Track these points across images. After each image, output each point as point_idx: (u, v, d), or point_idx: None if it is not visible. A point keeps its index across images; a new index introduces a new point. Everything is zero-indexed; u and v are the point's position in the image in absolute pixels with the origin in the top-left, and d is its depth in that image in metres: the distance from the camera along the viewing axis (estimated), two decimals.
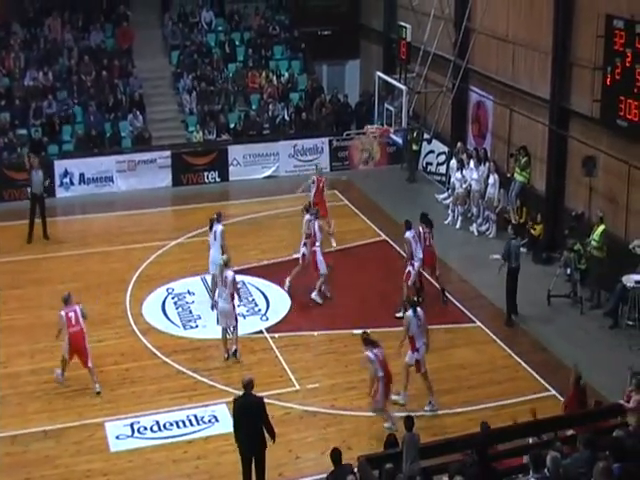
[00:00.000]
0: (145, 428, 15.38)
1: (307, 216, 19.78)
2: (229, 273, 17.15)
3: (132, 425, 15.43)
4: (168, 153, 27.59)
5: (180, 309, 19.52)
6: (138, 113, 28.90)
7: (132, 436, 15.19)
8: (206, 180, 27.77)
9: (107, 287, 20.54)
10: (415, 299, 17.11)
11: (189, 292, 20.24)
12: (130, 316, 19.25)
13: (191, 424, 15.46)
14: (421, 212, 20.21)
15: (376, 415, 15.28)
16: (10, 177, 26.52)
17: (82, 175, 26.99)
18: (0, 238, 23.70)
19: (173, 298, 20.06)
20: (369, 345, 14.99)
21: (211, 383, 16.70)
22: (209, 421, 15.51)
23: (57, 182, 26.82)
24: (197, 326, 18.90)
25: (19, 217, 24.54)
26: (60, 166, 26.92)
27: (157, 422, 15.50)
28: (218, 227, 19.66)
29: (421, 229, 19.53)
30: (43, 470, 14.41)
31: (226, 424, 15.29)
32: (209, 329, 18.44)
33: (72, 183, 26.95)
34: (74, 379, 16.76)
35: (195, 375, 16.99)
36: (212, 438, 15.10)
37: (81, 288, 20.38)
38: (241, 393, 13.32)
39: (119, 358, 17.60)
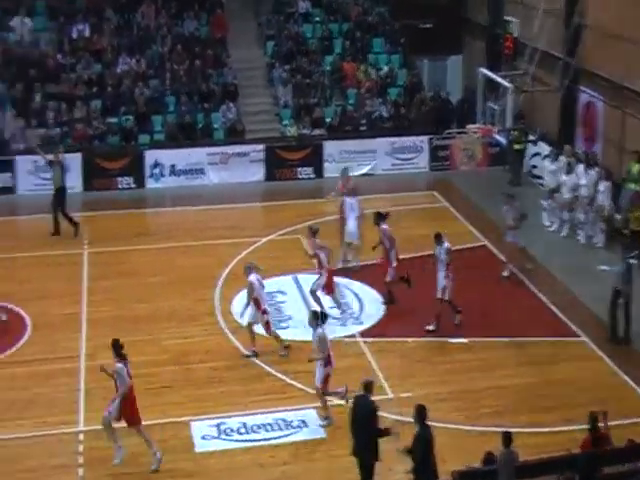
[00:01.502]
0: (232, 430, 15.51)
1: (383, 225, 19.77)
2: (252, 277, 17.35)
3: (218, 426, 15.58)
4: (262, 147, 27.81)
5: (271, 308, 19.62)
6: (231, 104, 29.20)
7: (218, 437, 15.34)
8: (299, 176, 27.93)
9: (195, 283, 20.80)
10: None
11: (280, 291, 20.34)
12: (219, 314, 19.43)
13: (279, 428, 15.54)
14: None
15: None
16: (101, 166, 27.11)
17: (173, 167, 27.41)
18: (90, 229, 24.26)
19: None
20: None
21: (300, 386, 16.75)
22: (297, 426, 15.57)
23: (147, 173, 27.32)
24: (288, 327, 19.00)
25: (109, 207, 25.08)
26: (150, 156, 27.39)
27: (244, 424, 15.62)
28: (354, 199, 20.76)
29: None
30: (127, 467, 14.64)
31: (315, 430, 15.35)
32: (300, 330, 18.53)
33: (162, 175, 27.41)
34: (158, 375, 17.03)
35: (284, 377, 17.08)
36: (300, 444, 15.16)
37: (168, 282, 20.78)
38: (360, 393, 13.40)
39: (205, 356, 17.80)
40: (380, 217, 19.94)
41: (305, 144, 28.28)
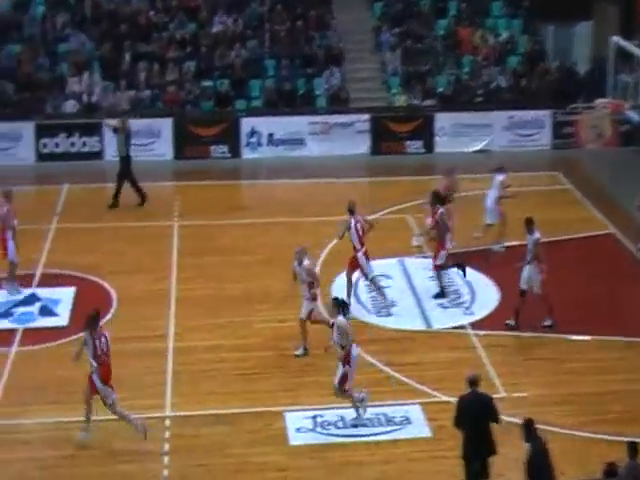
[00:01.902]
0: (329, 423, 15.56)
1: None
2: (306, 261, 17.29)
3: (315, 418, 15.65)
4: (367, 117, 27.78)
5: (373, 293, 19.64)
6: (335, 70, 29.22)
7: (314, 430, 15.41)
8: (408, 150, 27.82)
9: (291, 263, 20.84)
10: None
11: (385, 275, 20.31)
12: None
13: (380, 424, 15.53)
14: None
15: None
16: (194, 133, 27.44)
17: (271, 136, 27.60)
18: (181, 200, 24.68)
19: (365, 280, 20.17)
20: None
21: (404, 380, 16.72)
22: (400, 422, 15.54)
23: (243, 142, 27.58)
24: (391, 314, 18.97)
25: (202, 177, 25.36)
26: (247, 124, 27.62)
27: (342, 418, 15.65)
28: (500, 177, 20.57)
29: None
30: (214, 457, 14.84)
31: (419, 428, 15.33)
32: (405, 318, 18.51)
33: (259, 144, 27.61)
34: (250, 360, 17.25)
35: (387, 369, 17.07)
36: (402, 442, 15.13)
37: (263, 261, 20.93)
38: (467, 391, 13.28)
39: (300, 342, 17.86)
40: (437, 198, 19.79)
41: (415, 115, 28.16)
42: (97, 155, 27.35)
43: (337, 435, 15.34)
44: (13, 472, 14.42)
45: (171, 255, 21.54)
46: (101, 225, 23.17)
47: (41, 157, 27.56)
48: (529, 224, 18.19)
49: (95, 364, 14.77)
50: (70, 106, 28.61)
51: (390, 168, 26.57)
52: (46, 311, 19.14)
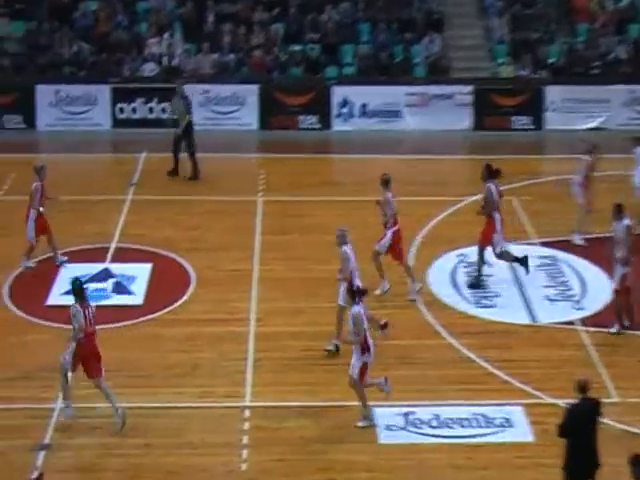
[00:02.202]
0: (422, 421, 15.44)
1: None
2: (346, 247, 17.09)
3: (406, 415, 15.53)
4: (470, 89, 27.57)
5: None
6: (435, 36, 28.99)
7: (405, 428, 15.29)
8: (514, 126, 27.55)
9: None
10: None
11: (486, 263, 20.07)
12: (411, 283, 19.36)
13: (479, 425, 15.36)
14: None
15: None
16: (281, 102, 27.47)
17: (364, 106, 27.53)
18: (266, 173, 24.78)
19: (466, 267, 20.03)
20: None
21: (506, 378, 16.50)
22: (501, 425, 15.34)
23: (334, 112, 27.54)
24: (494, 305, 18.78)
25: (289, 150, 25.38)
26: (339, 93, 27.59)
27: (437, 416, 15.52)
28: None
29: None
30: (297, 453, 14.80)
31: (522, 431, 15.14)
32: (508, 310, 18.33)
33: (351, 115, 27.54)
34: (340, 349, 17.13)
35: (486, 365, 16.86)
36: (503, 446, 14.92)
37: (352, 242, 20.77)
38: (578, 399, 12.99)
39: (394, 332, 17.76)
40: (489, 172, 19.37)
41: (522, 88, 27.84)
42: (177, 122, 27.44)
43: (431, 435, 15.21)
44: (88, 458, 14.60)
45: (254, 233, 21.62)
46: (180, 198, 23.37)
47: (117, 123, 27.94)
48: (618, 209, 17.65)
49: (82, 335, 14.95)
50: (149, 69, 28.86)
51: (494, 145, 26.32)
52: (120, 288, 19.33)
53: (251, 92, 27.53)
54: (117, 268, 19.95)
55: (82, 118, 27.74)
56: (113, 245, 21.09)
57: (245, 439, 15.01)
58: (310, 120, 27.59)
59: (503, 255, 19.29)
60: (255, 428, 15.30)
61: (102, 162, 25.17)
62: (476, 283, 19.32)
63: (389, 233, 18.89)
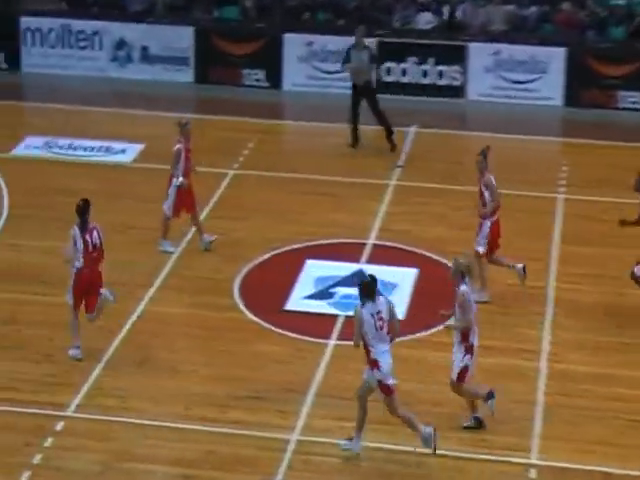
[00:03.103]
0: None
1: None
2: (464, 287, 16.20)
3: None
4: None
5: None
6: None
7: None
8: None
9: None
10: None
11: None
12: None
13: None
14: None
15: None
16: (596, 71, 27.21)
17: None
18: (572, 164, 24.67)
19: None
20: None
21: None
22: None
23: None
24: None
25: (601, 134, 25.09)
26: None
27: None
28: None
29: None
30: None
31: None
32: None
33: None
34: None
35: None
36: None
37: None
38: None
39: None
40: None
41: None
42: (456, 91, 27.58)
43: None
44: None
45: (551, 239, 21.50)
46: (455, 188, 23.44)
47: (382, 87, 28.11)
48: None
49: (80, 263, 16.96)
50: (424, 20, 28.98)
51: None
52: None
53: (555, 57, 27.32)
54: (374, 271, 20.02)
55: (337, 78, 28.04)
56: (370, 242, 21.36)
57: None
58: (632, 98, 27.19)
59: None
60: None
61: (364, 135, 25.28)
62: None
63: None
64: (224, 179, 23.95)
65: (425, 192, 23.09)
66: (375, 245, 21.24)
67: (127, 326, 18.53)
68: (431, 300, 19.09)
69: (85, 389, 16.76)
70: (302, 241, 21.21)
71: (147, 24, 30.26)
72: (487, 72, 27.50)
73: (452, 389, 15.89)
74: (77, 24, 30.27)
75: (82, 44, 30.34)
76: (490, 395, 15.86)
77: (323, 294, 19.60)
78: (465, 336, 15.62)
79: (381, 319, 15.00)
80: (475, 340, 15.70)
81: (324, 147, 26.01)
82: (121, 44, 30.17)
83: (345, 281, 19.87)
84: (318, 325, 18.66)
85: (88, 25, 30.34)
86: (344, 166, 24.61)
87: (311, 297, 19.48)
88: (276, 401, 16.32)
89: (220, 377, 17.17)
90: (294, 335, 18.16)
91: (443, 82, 27.87)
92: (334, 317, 18.88)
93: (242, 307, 19.12)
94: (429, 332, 18.51)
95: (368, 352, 15.02)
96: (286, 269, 20.34)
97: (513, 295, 19.63)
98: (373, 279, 15.32)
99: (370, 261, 20.60)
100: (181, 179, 20.43)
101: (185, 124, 20.68)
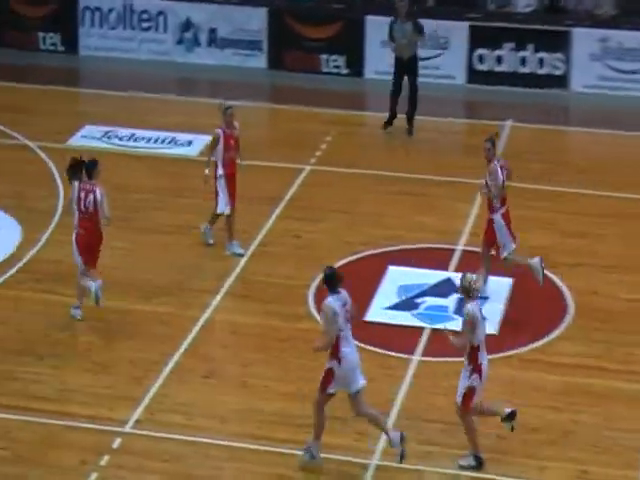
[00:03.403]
0: None
1: None
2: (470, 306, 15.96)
3: None
4: None
5: None
6: None
7: None
8: None
9: None
10: None
11: None
12: None
13: None
14: None
15: None
16: None
17: None
18: None
19: None
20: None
21: None
22: None
23: None
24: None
25: None
26: None
27: None
28: None
29: None
30: None
31: None
32: None
33: None
34: None
35: None
36: None
37: None
38: None
39: None
40: None
41: None
42: (558, 81, 27.33)
43: None
44: None
45: None
46: (556, 189, 23.29)
47: (475, 75, 28.14)
48: None
49: (76, 223, 18.40)
50: (523, 3, 28.76)
51: None
52: None
53: None
54: None
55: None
56: (460, 247, 21.24)
57: None
58: None
59: None
60: None
61: (450, 129, 25.17)
62: None
63: None
64: (298, 175, 23.86)
65: (521, 193, 22.81)
66: (465, 251, 21.07)
67: (192, 335, 18.47)
68: (526, 314, 19.05)
69: (145, 403, 16.74)
70: (384, 245, 21.10)
71: (216, 4, 30.25)
72: (593, 61, 27.18)
73: (456, 412, 15.59)
74: (140, 3, 30.35)
75: (145, 25, 30.44)
76: (511, 416, 15.55)
77: (407, 304, 19.45)
78: (473, 356, 15.35)
79: (348, 311, 15.26)
80: (485, 360, 15.44)
81: (410, 142, 25.82)
82: (187, 26, 30.15)
83: (431, 290, 19.80)
84: (401, 338, 18.54)
85: (152, 4, 30.39)
86: (431, 163, 24.46)
87: (394, 307, 19.34)
88: (355, 421, 16.06)
89: (293, 394, 17.05)
90: (375, 349, 18.00)
91: (543, 71, 27.64)
92: (419, 330, 18.74)
93: (317, 317, 18.95)
94: (525, 349, 18.27)
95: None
96: (366, 276, 20.16)
97: (620, 309, 19.42)
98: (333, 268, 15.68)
99: (459, 268, 20.30)
100: (206, 171, 20.52)
101: (227, 108, 20.70)
